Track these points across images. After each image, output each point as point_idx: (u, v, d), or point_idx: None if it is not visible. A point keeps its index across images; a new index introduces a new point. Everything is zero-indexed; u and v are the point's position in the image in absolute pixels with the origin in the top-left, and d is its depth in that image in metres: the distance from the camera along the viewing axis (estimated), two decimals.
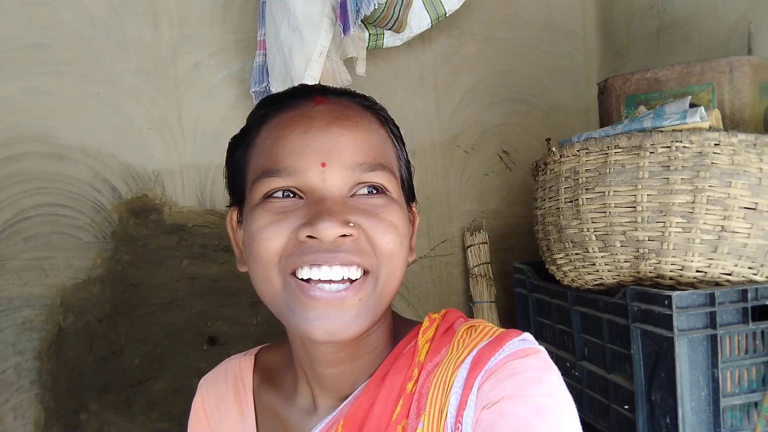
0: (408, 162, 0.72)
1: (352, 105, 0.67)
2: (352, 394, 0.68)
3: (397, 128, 0.72)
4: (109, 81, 1.60)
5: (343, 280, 0.59)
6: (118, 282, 1.61)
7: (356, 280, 0.59)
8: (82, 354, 1.59)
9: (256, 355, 0.82)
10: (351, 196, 0.61)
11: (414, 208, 0.74)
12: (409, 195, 0.72)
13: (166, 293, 1.64)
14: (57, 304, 1.58)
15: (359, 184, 0.61)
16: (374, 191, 0.62)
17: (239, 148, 0.69)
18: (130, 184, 1.63)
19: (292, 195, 0.61)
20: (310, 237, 0.58)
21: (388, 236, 0.61)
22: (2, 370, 1.55)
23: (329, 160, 0.60)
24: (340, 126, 0.62)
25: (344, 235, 0.58)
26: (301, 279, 0.59)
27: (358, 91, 0.71)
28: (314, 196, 0.60)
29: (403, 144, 0.72)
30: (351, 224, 0.58)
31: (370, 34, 1.55)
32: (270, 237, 0.59)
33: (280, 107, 0.66)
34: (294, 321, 0.59)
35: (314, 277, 0.58)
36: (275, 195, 0.61)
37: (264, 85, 1.51)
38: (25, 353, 1.57)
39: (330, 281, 0.58)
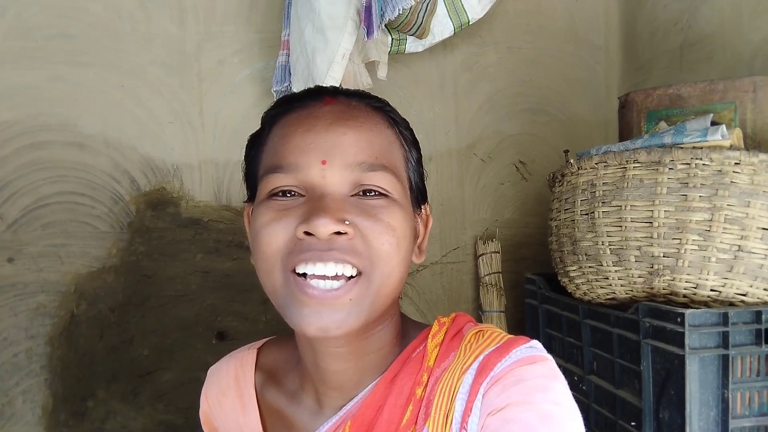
0: (419, 164, 0.72)
1: (360, 106, 0.68)
2: (360, 394, 0.68)
3: (409, 131, 0.72)
4: (133, 74, 1.62)
5: (336, 276, 0.59)
6: (132, 272, 1.63)
7: (350, 278, 0.60)
8: (92, 342, 1.61)
9: (259, 349, 0.82)
10: (352, 195, 0.62)
11: (427, 210, 0.74)
12: (420, 198, 0.72)
13: (179, 286, 1.65)
14: (71, 291, 1.60)
15: (360, 184, 0.62)
16: (375, 193, 0.63)
17: (254, 146, 0.71)
18: (148, 177, 1.65)
19: (294, 194, 0.62)
20: (307, 234, 0.59)
21: (384, 237, 0.61)
22: (14, 353, 1.58)
23: (330, 157, 0.61)
24: (343, 125, 0.63)
25: (339, 233, 0.59)
26: (299, 274, 0.60)
27: (371, 93, 0.71)
28: (314, 194, 0.61)
29: (416, 147, 0.72)
30: (347, 222, 0.59)
31: (392, 39, 1.55)
32: (272, 234, 0.61)
33: (291, 107, 0.68)
34: (289, 316, 0.61)
35: (309, 272, 0.59)
36: (278, 194, 0.63)
37: (286, 84, 1.52)
38: (37, 338, 1.59)
39: (324, 277, 0.59)
